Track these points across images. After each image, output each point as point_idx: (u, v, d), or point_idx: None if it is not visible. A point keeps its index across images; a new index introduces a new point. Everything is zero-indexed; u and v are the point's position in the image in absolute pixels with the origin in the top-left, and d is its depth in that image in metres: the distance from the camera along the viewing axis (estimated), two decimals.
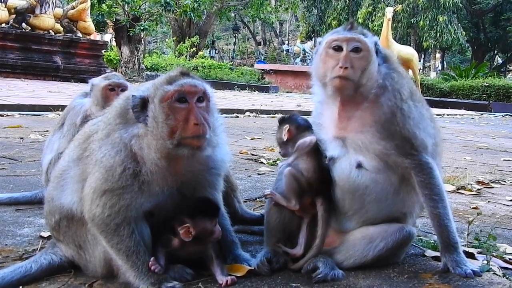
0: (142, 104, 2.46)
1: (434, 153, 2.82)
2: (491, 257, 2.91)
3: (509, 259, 3.01)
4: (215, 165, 2.69)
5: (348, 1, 52.32)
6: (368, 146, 2.72)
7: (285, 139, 2.95)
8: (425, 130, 2.78)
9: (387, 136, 2.69)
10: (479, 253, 3.04)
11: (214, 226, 2.61)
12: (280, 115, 3.07)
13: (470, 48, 56.89)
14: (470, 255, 2.88)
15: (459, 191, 5.16)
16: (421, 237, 3.32)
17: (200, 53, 37.16)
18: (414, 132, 2.71)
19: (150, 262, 2.48)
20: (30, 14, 22.97)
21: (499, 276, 2.69)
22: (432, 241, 3.21)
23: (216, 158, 2.66)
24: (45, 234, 3.18)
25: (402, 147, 2.69)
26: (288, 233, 2.87)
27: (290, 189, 2.78)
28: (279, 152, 3.07)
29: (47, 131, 5.81)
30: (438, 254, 2.98)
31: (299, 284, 2.55)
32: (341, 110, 2.81)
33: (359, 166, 2.74)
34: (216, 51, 59.94)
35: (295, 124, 2.97)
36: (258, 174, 5.74)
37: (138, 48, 28.87)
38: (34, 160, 5.71)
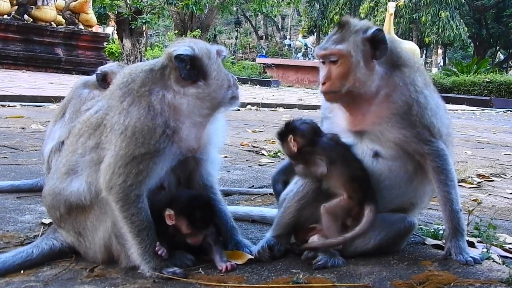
0: (192, 63, 2.56)
1: (447, 142, 2.85)
2: (491, 246, 2.92)
3: (509, 248, 3.02)
4: (218, 139, 2.82)
5: None
6: (387, 135, 2.73)
7: (295, 151, 2.75)
8: (441, 120, 2.82)
9: (408, 125, 2.70)
10: (479, 242, 3.04)
11: (193, 235, 2.58)
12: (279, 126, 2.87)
13: (472, 44, 56.76)
14: (470, 244, 2.89)
15: (460, 184, 5.13)
16: (421, 226, 3.32)
17: None
18: (432, 121, 2.75)
19: (156, 247, 2.50)
20: (32, 6, 22.88)
21: (499, 263, 2.70)
22: (432, 230, 3.22)
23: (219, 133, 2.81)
24: (46, 221, 3.20)
25: (422, 134, 2.72)
26: (296, 227, 2.89)
27: (332, 227, 2.68)
28: (295, 170, 2.83)
29: (48, 121, 5.82)
30: (438, 242, 3.00)
31: (299, 270, 2.55)
32: (351, 111, 2.81)
33: (376, 155, 2.75)
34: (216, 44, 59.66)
35: (299, 132, 2.76)
36: (259, 165, 5.75)
37: (140, 41, 28.78)
38: (35, 150, 5.72)
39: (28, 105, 10.86)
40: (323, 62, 2.77)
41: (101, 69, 4.10)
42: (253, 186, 4.62)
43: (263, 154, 6.52)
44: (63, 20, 24.22)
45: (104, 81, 3.96)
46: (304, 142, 2.74)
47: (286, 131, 2.80)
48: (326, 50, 2.74)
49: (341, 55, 2.70)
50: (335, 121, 2.92)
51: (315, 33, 54.01)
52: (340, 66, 2.70)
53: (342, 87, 2.70)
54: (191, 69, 2.55)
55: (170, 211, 2.55)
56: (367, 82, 2.71)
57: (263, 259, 2.71)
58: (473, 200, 4.42)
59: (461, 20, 48.38)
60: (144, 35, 29.92)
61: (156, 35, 58.03)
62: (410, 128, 2.70)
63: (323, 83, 2.73)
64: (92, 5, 25.81)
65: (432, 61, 56.43)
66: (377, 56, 2.72)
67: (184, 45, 2.61)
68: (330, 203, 2.70)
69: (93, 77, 4.17)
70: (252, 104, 15.06)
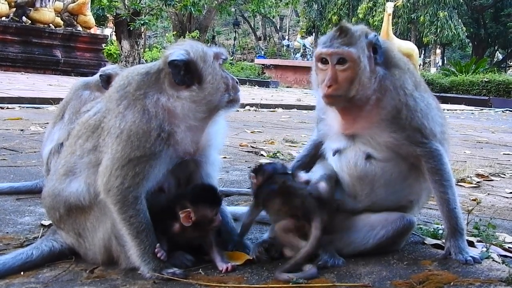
0: (186, 68, 2.54)
1: (443, 140, 2.84)
2: (491, 245, 2.93)
3: (508, 247, 3.03)
4: (218, 141, 2.81)
5: None
6: (378, 139, 2.73)
7: (255, 188, 2.87)
8: (433, 119, 2.80)
9: (398, 129, 2.70)
10: (479, 241, 3.05)
11: (215, 215, 2.63)
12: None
13: (470, 44, 56.78)
14: (470, 243, 2.89)
15: (459, 183, 5.15)
16: (421, 226, 3.33)
17: None
18: (422, 123, 2.73)
19: (156, 249, 2.49)
20: (30, 8, 22.87)
21: (499, 263, 2.71)
22: (432, 229, 3.23)
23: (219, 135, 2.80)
24: (46, 222, 3.19)
25: (413, 136, 2.71)
26: None
27: (291, 243, 2.70)
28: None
29: (47, 123, 5.81)
30: (437, 242, 3.01)
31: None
32: (343, 114, 2.81)
33: (368, 157, 2.76)
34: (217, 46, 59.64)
35: (260, 171, 2.88)
36: None
37: (138, 43, 28.73)
38: (35, 151, 5.72)
39: (26, 107, 10.85)
40: (324, 62, 2.73)
41: (104, 70, 4.08)
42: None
43: (262, 155, 6.51)
44: (62, 22, 24.21)
45: (108, 83, 3.93)
46: (261, 180, 2.84)
47: (253, 170, 2.92)
48: (338, 49, 2.67)
49: (352, 59, 2.66)
50: (328, 123, 2.93)
51: (314, 34, 53.93)
52: (348, 70, 2.67)
53: (349, 92, 2.68)
54: (185, 74, 2.54)
55: (185, 210, 2.55)
56: (368, 86, 2.69)
57: (262, 261, 2.70)
58: (472, 200, 4.42)
59: (460, 20, 48.42)
60: (143, 36, 29.84)
61: (154, 37, 58.06)
62: (400, 131, 2.70)
63: (329, 86, 2.67)
64: (90, 6, 25.80)
65: (430, 61, 56.48)
66: (377, 60, 2.72)
67: (180, 49, 2.60)
68: (281, 222, 2.71)
69: (93, 79, 4.16)
70: (251, 105, 15.04)
